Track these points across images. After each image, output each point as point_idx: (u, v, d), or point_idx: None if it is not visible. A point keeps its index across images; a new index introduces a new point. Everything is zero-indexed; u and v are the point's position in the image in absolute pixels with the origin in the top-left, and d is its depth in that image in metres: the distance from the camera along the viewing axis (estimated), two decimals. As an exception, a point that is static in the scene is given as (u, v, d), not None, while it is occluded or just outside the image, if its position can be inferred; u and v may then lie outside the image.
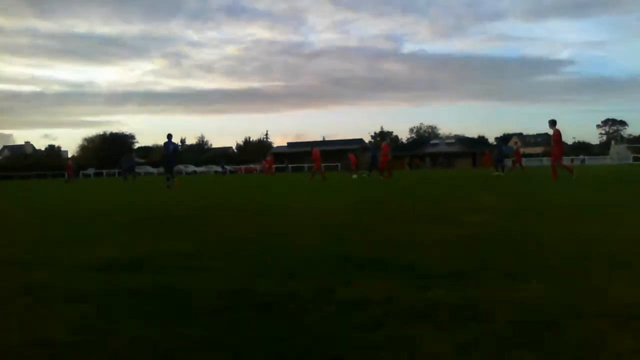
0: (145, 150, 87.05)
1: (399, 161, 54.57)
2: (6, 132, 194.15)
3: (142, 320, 2.30)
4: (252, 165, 68.27)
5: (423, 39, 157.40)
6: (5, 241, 5.26)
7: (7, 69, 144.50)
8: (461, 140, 78.01)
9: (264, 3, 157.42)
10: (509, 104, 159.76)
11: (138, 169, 47.85)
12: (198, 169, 68.59)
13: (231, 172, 62.19)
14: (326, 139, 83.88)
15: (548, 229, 4.82)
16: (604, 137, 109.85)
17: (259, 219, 6.70)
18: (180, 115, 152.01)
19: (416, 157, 67.82)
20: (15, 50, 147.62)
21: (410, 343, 1.92)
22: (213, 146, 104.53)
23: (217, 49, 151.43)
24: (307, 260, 3.57)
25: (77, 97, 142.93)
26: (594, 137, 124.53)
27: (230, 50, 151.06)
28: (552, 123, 14.67)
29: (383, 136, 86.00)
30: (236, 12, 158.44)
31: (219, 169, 62.33)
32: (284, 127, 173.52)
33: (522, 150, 35.73)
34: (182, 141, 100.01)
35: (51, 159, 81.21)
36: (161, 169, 27.77)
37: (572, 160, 60.07)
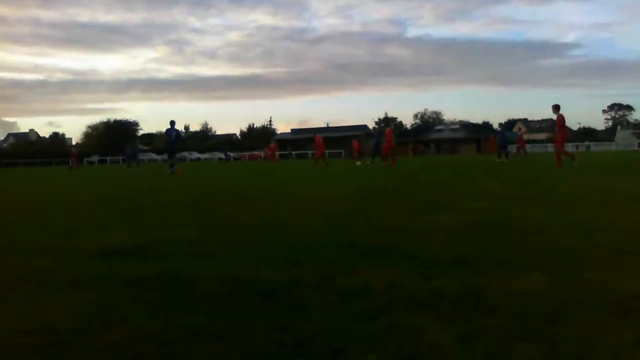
0: (149, 137, 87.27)
1: (403, 147, 54.52)
2: (11, 119, 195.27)
3: (145, 307, 2.31)
4: (255, 152, 68.20)
5: (427, 23, 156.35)
6: (9, 228, 5.29)
7: (10, 57, 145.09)
8: (466, 126, 77.58)
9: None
10: (513, 88, 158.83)
11: (142, 156, 48.01)
12: (202, 156, 68.66)
13: (235, 159, 62.24)
14: (330, 125, 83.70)
15: (551, 216, 4.80)
16: (610, 123, 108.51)
17: (262, 206, 6.70)
18: (183, 102, 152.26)
19: (420, 143, 67.68)
20: (18, 39, 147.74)
21: (413, 333, 1.92)
22: (217, 133, 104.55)
23: (219, 35, 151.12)
24: (310, 247, 3.57)
25: (81, 84, 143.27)
26: (599, 122, 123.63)
27: (233, 36, 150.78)
28: (556, 108, 14.44)
29: (387, 122, 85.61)
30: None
31: (223, 156, 62.41)
32: (288, 113, 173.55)
33: (526, 136, 35.52)
34: (186, 128, 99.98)
35: (55, 146, 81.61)
36: (165, 156, 27.76)
37: (577, 147, 59.68)
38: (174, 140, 18.78)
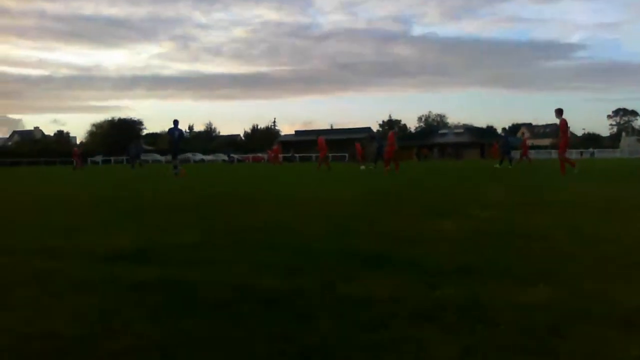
0: (153, 137, 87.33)
1: (407, 151, 54.37)
2: (16, 116, 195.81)
3: (147, 312, 2.30)
4: (259, 154, 68.18)
5: (432, 21, 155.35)
6: (11, 229, 5.29)
7: (14, 51, 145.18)
8: (470, 130, 77.36)
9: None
10: (517, 91, 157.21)
11: (146, 157, 48.03)
12: (206, 158, 68.66)
13: (239, 160, 62.27)
14: (334, 127, 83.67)
15: (555, 225, 4.77)
16: (615, 129, 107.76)
17: (266, 208, 6.70)
18: (188, 100, 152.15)
19: (424, 148, 67.48)
20: (22, 33, 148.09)
21: (417, 344, 1.90)
22: (221, 134, 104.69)
23: (224, 31, 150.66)
24: (313, 252, 3.55)
25: (85, 81, 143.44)
26: (604, 128, 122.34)
27: (238, 32, 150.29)
28: (559, 112, 14.00)
29: (391, 125, 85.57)
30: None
31: (226, 157, 62.45)
32: (292, 114, 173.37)
33: (530, 142, 35.33)
34: (190, 128, 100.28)
35: (60, 145, 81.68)
36: (169, 157, 27.72)
37: (582, 154, 59.36)
38: (176, 140, 18.29)
